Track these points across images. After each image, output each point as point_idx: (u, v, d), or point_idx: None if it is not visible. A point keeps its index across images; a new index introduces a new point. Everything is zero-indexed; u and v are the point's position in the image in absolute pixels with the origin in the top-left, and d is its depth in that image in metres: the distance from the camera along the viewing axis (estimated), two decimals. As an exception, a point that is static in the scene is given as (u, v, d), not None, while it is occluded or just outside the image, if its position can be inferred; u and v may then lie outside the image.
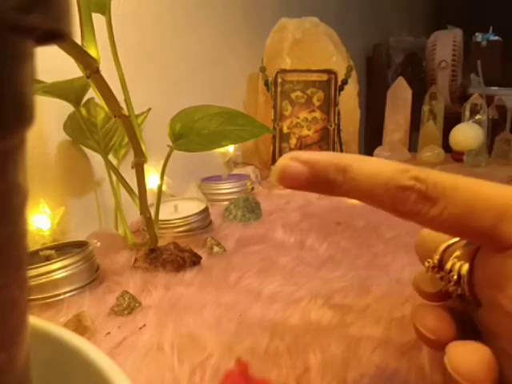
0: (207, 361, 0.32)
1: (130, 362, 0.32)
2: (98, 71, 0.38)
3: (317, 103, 0.99)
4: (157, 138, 0.57)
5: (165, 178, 0.52)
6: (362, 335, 0.35)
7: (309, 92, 0.99)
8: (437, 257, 0.23)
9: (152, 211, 0.50)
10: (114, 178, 0.54)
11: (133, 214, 0.59)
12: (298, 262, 0.51)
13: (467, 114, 1.13)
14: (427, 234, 0.25)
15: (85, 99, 0.54)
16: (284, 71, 1.00)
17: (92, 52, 0.37)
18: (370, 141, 1.44)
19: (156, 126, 0.64)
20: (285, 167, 0.21)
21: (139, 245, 0.54)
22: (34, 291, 0.42)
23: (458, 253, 0.21)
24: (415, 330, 0.23)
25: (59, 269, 0.43)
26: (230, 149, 0.85)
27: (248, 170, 0.90)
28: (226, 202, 0.70)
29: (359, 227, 0.63)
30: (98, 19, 0.40)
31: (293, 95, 0.99)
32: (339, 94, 0.99)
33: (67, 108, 0.53)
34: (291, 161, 0.21)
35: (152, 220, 0.49)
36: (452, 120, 1.14)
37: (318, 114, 0.99)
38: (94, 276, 0.46)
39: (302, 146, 1.00)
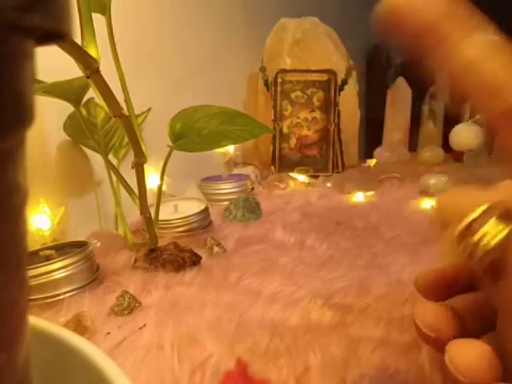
0: (207, 361, 0.32)
1: (130, 362, 0.32)
2: (98, 71, 0.38)
3: (317, 103, 0.99)
4: (157, 138, 0.57)
5: (165, 178, 0.52)
6: (361, 335, 0.35)
7: (309, 92, 0.99)
8: (467, 222, 0.21)
9: (152, 211, 0.50)
10: (114, 178, 0.54)
11: (133, 214, 0.59)
12: (298, 262, 0.51)
13: (467, 113, 1.13)
14: (451, 201, 0.23)
15: (85, 99, 0.54)
16: (284, 71, 1.00)
17: (92, 52, 0.37)
18: (370, 141, 1.44)
19: (156, 126, 0.64)
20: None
21: (139, 245, 0.54)
22: (34, 291, 0.42)
23: (495, 219, 0.20)
24: (416, 328, 0.23)
25: (59, 269, 0.43)
26: (230, 149, 0.85)
27: (248, 170, 0.90)
28: (226, 202, 0.70)
29: (359, 227, 0.63)
30: (98, 19, 0.40)
31: (293, 95, 0.99)
32: (339, 94, 0.99)
33: (67, 108, 0.53)
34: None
35: (152, 220, 0.49)
36: (452, 120, 1.14)
37: (317, 114, 0.99)
38: (93, 276, 0.46)
39: (302, 146, 1.00)
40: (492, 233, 0.20)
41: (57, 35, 0.10)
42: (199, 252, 0.52)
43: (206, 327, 0.37)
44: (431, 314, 0.22)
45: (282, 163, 1.00)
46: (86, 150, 0.64)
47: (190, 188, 0.76)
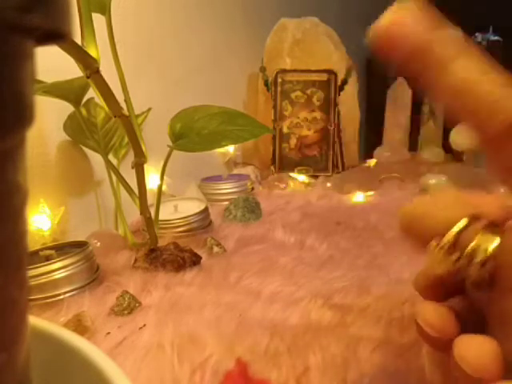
0: (207, 361, 0.32)
1: (130, 362, 0.32)
2: (98, 71, 0.38)
3: (317, 103, 0.99)
4: (157, 138, 0.57)
5: (165, 178, 0.52)
6: (361, 335, 0.35)
7: (309, 92, 0.99)
8: (451, 236, 0.22)
9: (152, 211, 0.50)
10: (114, 178, 0.54)
11: (133, 214, 0.59)
12: (298, 262, 0.51)
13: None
14: (425, 209, 0.23)
15: (85, 99, 0.54)
16: (284, 71, 1.00)
17: (92, 52, 0.37)
18: (370, 141, 1.44)
19: (156, 126, 0.64)
20: (393, 23, 0.18)
21: (139, 245, 0.54)
22: (34, 291, 0.42)
23: (481, 233, 0.20)
24: (417, 328, 0.23)
25: (59, 269, 0.43)
26: (230, 149, 0.85)
27: (248, 170, 0.90)
28: (226, 202, 0.70)
29: (359, 227, 0.63)
30: (98, 19, 0.40)
31: (293, 95, 0.99)
32: (339, 94, 0.99)
33: (67, 108, 0.53)
34: (403, 16, 0.18)
35: (152, 220, 0.50)
36: (452, 120, 1.14)
37: (317, 114, 0.99)
38: (93, 276, 0.46)
39: (302, 145, 1.00)
40: (483, 245, 0.20)
41: (57, 35, 0.10)
42: (199, 252, 0.52)
43: (206, 327, 0.37)
44: (433, 314, 0.22)
45: (282, 163, 1.00)
46: (86, 149, 0.64)
47: (190, 188, 0.76)
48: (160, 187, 0.52)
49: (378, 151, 1.15)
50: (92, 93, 0.44)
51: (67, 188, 0.63)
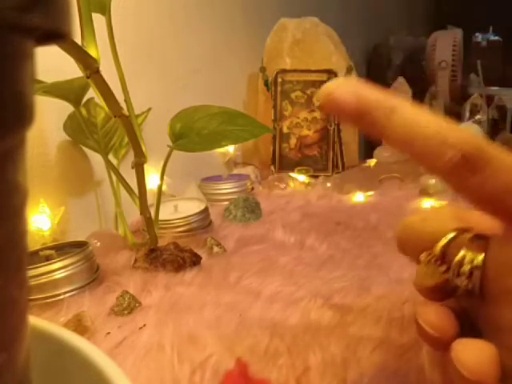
0: (207, 361, 0.32)
1: (130, 362, 0.32)
2: (98, 71, 0.38)
3: (317, 103, 0.99)
4: (157, 138, 0.56)
5: (165, 178, 0.52)
6: (361, 335, 0.35)
7: (309, 92, 0.99)
8: (438, 249, 0.22)
9: (152, 211, 0.50)
10: (114, 178, 0.54)
11: (133, 214, 0.59)
12: (298, 262, 0.51)
13: (467, 114, 1.13)
14: (415, 225, 0.24)
15: (85, 99, 0.54)
16: (284, 71, 1.00)
17: (92, 52, 0.37)
18: (370, 141, 1.44)
19: (156, 126, 0.64)
20: (333, 91, 0.20)
21: (139, 245, 0.54)
22: (34, 291, 0.42)
23: (467, 245, 0.21)
24: (417, 327, 0.23)
25: (59, 269, 0.43)
26: (230, 149, 0.85)
27: (248, 170, 0.90)
28: (226, 202, 0.70)
29: (359, 227, 0.63)
30: (98, 19, 0.40)
31: (293, 95, 0.99)
32: (339, 94, 0.99)
33: (67, 108, 0.53)
34: (340, 88, 0.20)
35: (152, 220, 0.50)
36: (452, 120, 1.14)
37: (318, 114, 0.99)
38: (93, 276, 0.46)
39: (302, 145, 1.00)
40: (469, 257, 0.21)
41: (57, 35, 0.10)
42: (199, 252, 0.52)
43: (206, 327, 0.37)
44: (434, 314, 0.22)
45: (282, 163, 1.00)
46: (86, 149, 0.63)
47: (189, 188, 0.76)
48: (160, 187, 0.52)
49: (377, 151, 1.15)
50: (92, 93, 0.44)
51: (67, 188, 0.63)
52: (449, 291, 0.22)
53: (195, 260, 0.50)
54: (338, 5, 1.49)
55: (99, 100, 0.41)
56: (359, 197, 0.77)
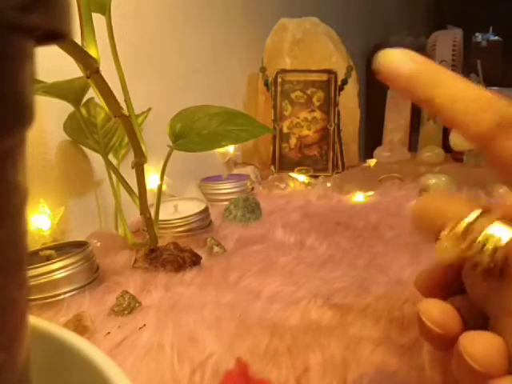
0: (207, 361, 0.32)
1: (130, 362, 0.32)
2: (98, 71, 0.38)
3: (317, 103, 0.99)
4: (157, 138, 0.57)
5: (165, 178, 0.52)
6: (361, 335, 0.35)
7: (309, 92, 0.99)
8: (463, 226, 0.22)
9: (152, 211, 0.50)
10: (114, 178, 0.54)
11: (133, 214, 0.59)
12: (298, 261, 0.51)
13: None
14: (436, 202, 0.25)
15: (85, 99, 0.54)
16: (284, 71, 1.00)
17: (92, 52, 0.37)
18: (370, 141, 1.44)
19: (156, 126, 0.64)
20: (394, 59, 0.22)
21: (139, 245, 0.54)
22: (34, 291, 0.42)
23: (495, 223, 0.21)
24: (419, 325, 0.23)
25: (59, 269, 0.43)
26: (230, 149, 0.85)
27: (248, 170, 0.90)
28: (226, 202, 0.70)
29: (359, 227, 0.63)
30: (98, 19, 0.40)
31: (293, 95, 0.99)
32: (339, 94, 0.99)
33: (67, 108, 0.53)
34: (402, 56, 0.22)
35: (152, 220, 0.49)
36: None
37: (317, 114, 0.99)
38: (93, 276, 0.46)
39: (302, 145, 1.00)
40: (497, 234, 0.21)
41: (57, 35, 0.10)
42: (199, 252, 0.52)
43: (206, 327, 0.37)
44: (437, 311, 0.22)
45: (282, 163, 1.00)
46: (86, 150, 0.63)
47: (189, 188, 0.76)
48: (160, 187, 0.52)
49: (377, 151, 1.15)
50: (92, 93, 0.44)
51: (67, 188, 0.63)
52: (459, 283, 0.22)
53: (195, 260, 0.50)
54: (338, 5, 1.49)
55: (99, 100, 0.41)
56: (359, 197, 0.77)
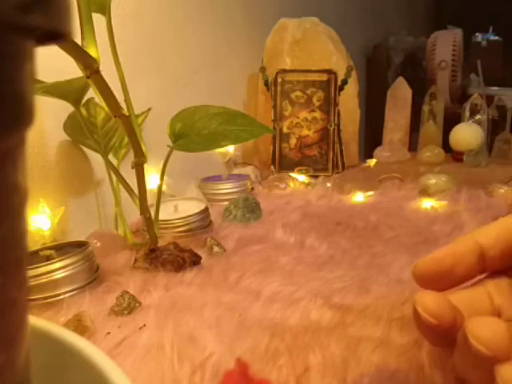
0: (207, 361, 0.32)
1: (130, 362, 0.32)
2: (98, 71, 0.38)
3: (317, 103, 0.99)
4: (157, 138, 0.56)
5: (165, 178, 0.52)
6: (361, 335, 0.35)
7: (309, 92, 0.99)
8: None
9: (152, 211, 0.50)
10: (114, 178, 0.54)
11: (133, 214, 0.59)
12: (298, 261, 0.51)
13: (467, 114, 1.13)
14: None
15: (85, 99, 0.54)
16: (284, 71, 1.00)
17: (92, 52, 0.37)
18: (370, 141, 1.44)
19: (156, 126, 0.64)
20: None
21: (139, 245, 0.54)
22: (33, 291, 0.42)
23: None
24: (415, 317, 0.23)
25: (59, 269, 0.43)
26: (230, 149, 0.85)
27: (248, 170, 0.90)
28: (226, 202, 0.70)
29: (359, 227, 0.63)
30: (98, 19, 0.40)
31: (293, 95, 0.99)
32: (339, 94, 0.99)
33: (67, 108, 0.53)
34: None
35: (152, 220, 0.49)
36: (452, 120, 1.14)
37: (317, 114, 0.99)
38: (93, 276, 0.46)
39: (302, 145, 1.00)
40: None
41: (57, 35, 0.10)
42: (199, 252, 0.52)
43: (206, 327, 0.37)
44: (433, 301, 0.22)
45: (282, 163, 1.00)
46: (86, 150, 0.63)
47: (189, 188, 0.76)
48: (160, 187, 0.52)
49: (377, 151, 1.15)
50: (92, 93, 0.44)
51: (67, 188, 0.63)
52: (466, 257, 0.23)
53: (195, 260, 0.50)
54: (338, 5, 1.49)
55: (99, 100, 0.41)
56: (359, 197, 0.77)
